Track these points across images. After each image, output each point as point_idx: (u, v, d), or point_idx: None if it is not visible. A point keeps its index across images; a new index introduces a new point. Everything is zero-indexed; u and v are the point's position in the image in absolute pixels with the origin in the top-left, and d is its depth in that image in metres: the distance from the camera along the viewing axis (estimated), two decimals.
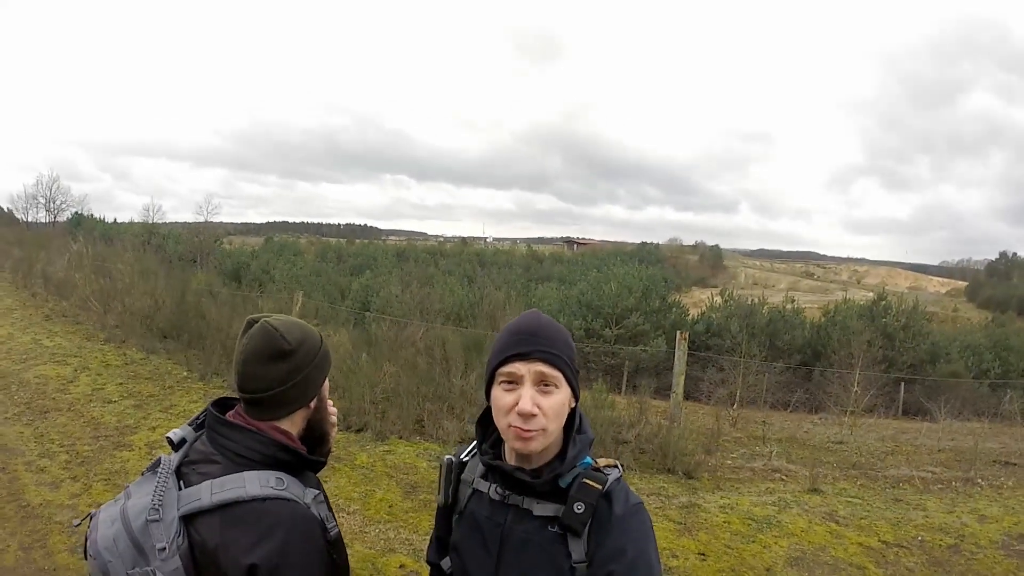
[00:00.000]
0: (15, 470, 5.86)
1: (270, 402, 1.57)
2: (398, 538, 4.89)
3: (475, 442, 1.64)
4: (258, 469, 1.48)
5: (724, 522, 5.51)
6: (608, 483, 1.41)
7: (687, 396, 14.01)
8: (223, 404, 1.63)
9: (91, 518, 1.49)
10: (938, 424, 11.07)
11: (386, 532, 4.98)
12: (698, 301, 33.77)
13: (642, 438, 7.37)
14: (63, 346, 10.87)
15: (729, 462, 7.54)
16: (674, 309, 24.78)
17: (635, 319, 22.22)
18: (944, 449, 8.96)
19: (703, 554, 4.95)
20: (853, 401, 11.39)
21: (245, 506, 1.42)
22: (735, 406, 11.13)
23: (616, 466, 1.48)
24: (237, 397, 1.63)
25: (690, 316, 25.19)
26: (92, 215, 54.20)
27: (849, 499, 6.39)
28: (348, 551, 4.29)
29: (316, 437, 1.68)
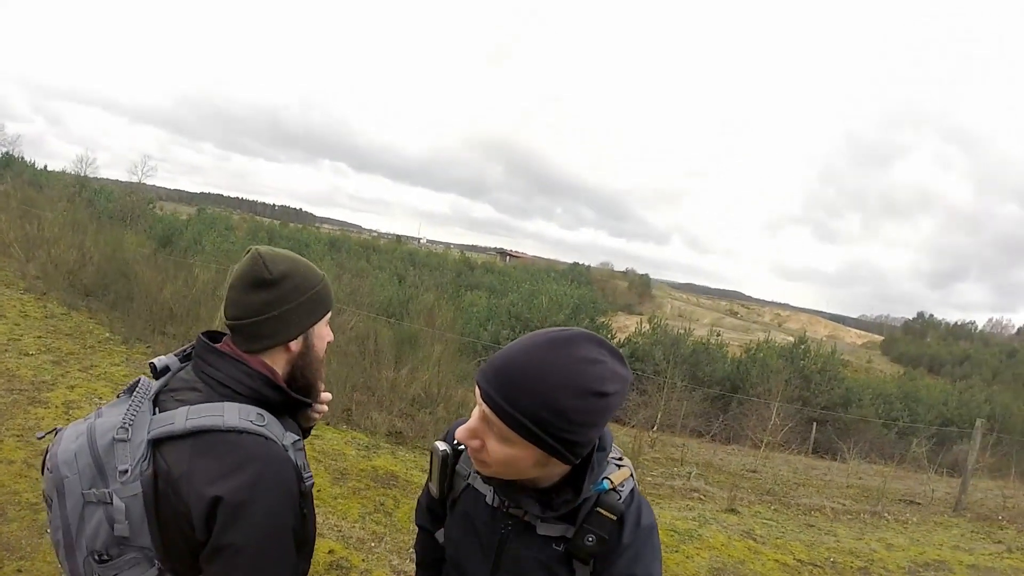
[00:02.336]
0: None
1: (246, 332, 1.50)
2: (327, 524, 4.83)
3: None
4: (240, 402, 1.41)
5: None
6: (621, 508, 1.24)
7: None
8: (212, 336, 1.56)
9: (56, 432, 1.40)
10: (847, 464, 11.51)
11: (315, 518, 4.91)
12: (623, 326, 34.33)
13: None
14: None
15: (650, 479, 7.73)
16: (601, 331, 24.97)
17: None
18: (852, 486, 9.36)
19: None
20: (769, 431, 11.72)
21: (219, 435, 1.34)
22: (655, 429, 11.32)
23: (631, 475, 1.31)
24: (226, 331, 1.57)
25: (616, 340, 25.60)
26: (23, 158, 51.82)
27: (765, 520, 6.63)
28: None
29: (300, 387, 1.56)
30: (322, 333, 1.59)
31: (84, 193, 32.58)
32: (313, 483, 1.50)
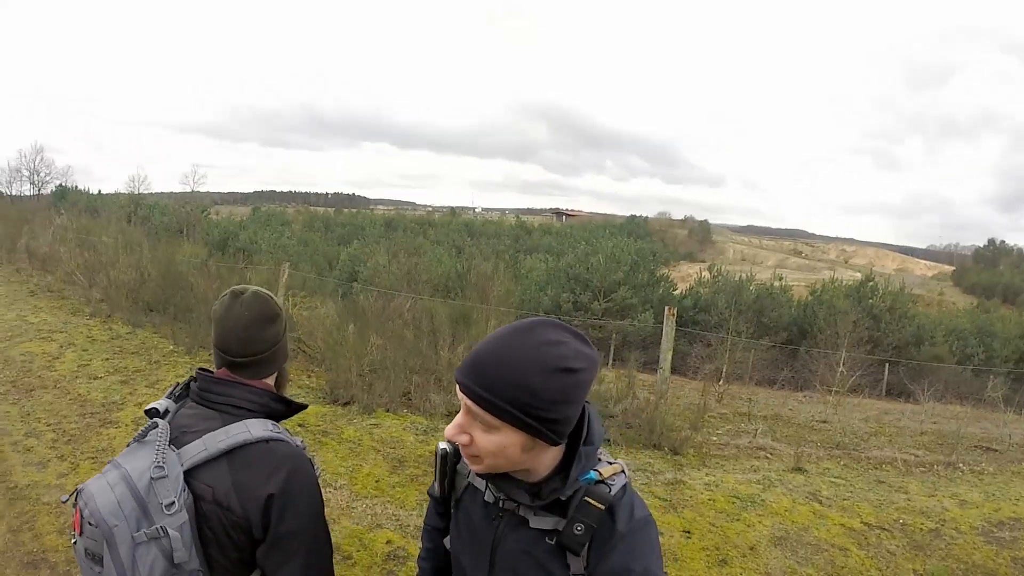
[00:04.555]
0: (1, 450, 5.75)
1: (265, 362, 1.72)
2: (385, 513, 4.86)
3: None
4: (255, 418, 1.62)
5: (709, 500, 5.54)
6: (611, 499, 1.27)
7: (674, 371, 14.07)
8: (208, 371, 1.74)
9: (78, 494, 1.47)
10: (921, 406, 11.15)
11: (373, 507, 4.95)
12: (686, 276, 33.97)
13: (629, 413, 7.40)
14: (48, 322, 10.76)
15: (715, 439, 7.59)
16: (662, 283, 24.84)
17: (623, 293, 22.18)
18: (927, 432, 9.05)
19: (688, 532, 4.97)
20: (838, 381, 11.45)
21: (252, 447, 1.55)
22: (722, 382, 11.18)
23: (622, 471, 1.35)
24: (213, 368, 1.76)
25: (678, 291, 25.24)
26: (76, 187, 53.70)
27: (832, 479, 6.45)
28: (336, 527, 4.34)
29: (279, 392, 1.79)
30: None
31: (139, 211, 33.56)
32: (319, 474, 1.71)
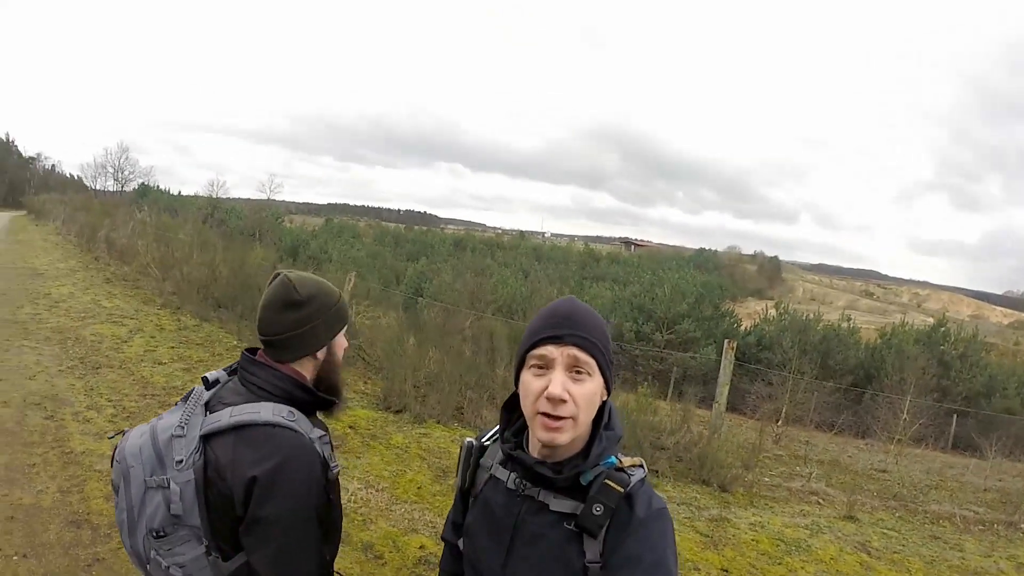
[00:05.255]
0: (63, 419, 6.15)
1: (281, 346, 1.77)
2: (422, 519, 4.94)
3: (498, 427, 1.59)
4: (275, 402, 1.69)
5: (752, 540, 5.45)
6: (631, 485, 1.35)
7: (732, 408, 13.83)
8: (254, 351, 1.84)
9: (124, 433, 1.73)
10: (987, 462, 10.72)
11: (411, 512, 5.03)
12: (753, 312, 33.32)
13: (680, 446, 7.33)
14: (121, 308, 11.25)
15: (767, 479, 7.45)
16: (727, 318, 24.52)
17: (686, 325, 21.95)
18: (991, 489, 8.70)
19: (726, 570, 4.90)
20: (901, 429, 11.09)
21: (257, 429, 1.62)
22: (780, 423, 10.95)
23: (641, 466, 1.43)
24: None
25: (743, 327, 24.82)
26: (158, 187, 56.15)
27: (885, 531, 6.25)
28: (372, 527, 4.40)
29: (325, 388, 1.83)
30: (341, 343, 1.88)
31: (216, 214, 34.73)
32: (339, 472, 1.79)
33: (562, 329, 1.35)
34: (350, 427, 6.76)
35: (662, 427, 7.71)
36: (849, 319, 24.41)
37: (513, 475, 1.46)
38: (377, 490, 5.35)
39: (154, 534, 1.60)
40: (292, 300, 1.78)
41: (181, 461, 1.59)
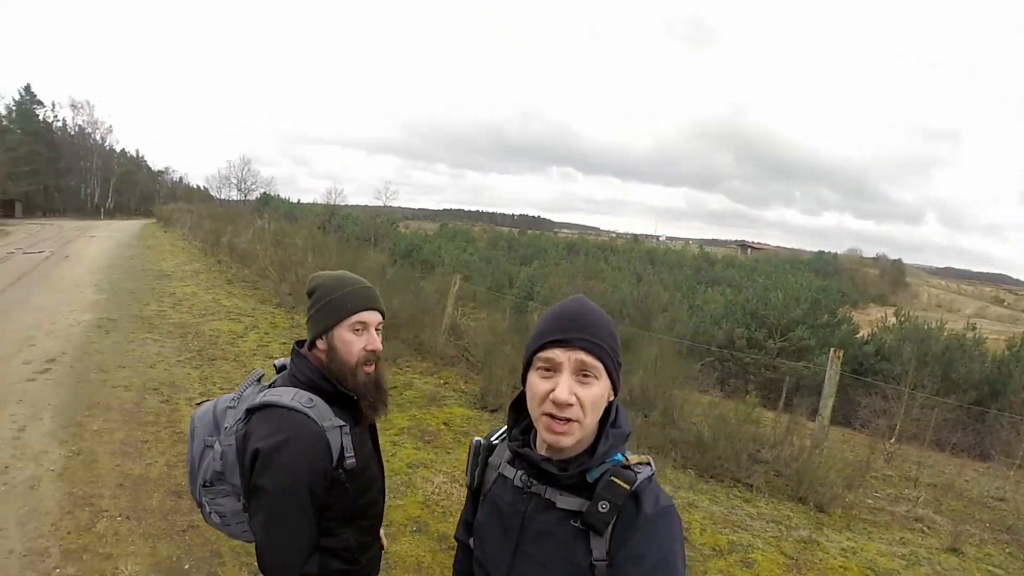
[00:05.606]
0: (177, 403, 7.09)
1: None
2: None
3: (507, 426, 1.63)
4: (301, 388, 1.94)
5: (840, 567, 5.21)
6: (637, 482, 1.37)
7: (843, 422, 13.32)
8: (303, 343, 2.13)
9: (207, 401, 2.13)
10: None
11: None
12: (874, 320, 31.89)
13: (781, 460, 7.13)
14: (239, 306, 11.99)
15: (870, 501, 7.11)
16: (843, 325, 23.44)
17: (800, 332, 21.05)
18: None
19: None
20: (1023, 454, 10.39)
21: (275, 409, 1.87)
22: (893, 440, 10.45)
23: (648, 464, 1.44)
24: None
25: (860, 335, 23.76)
26: (278, 195, 59.31)
27: (991, 567, 5.83)
28: (451, 520, 4.69)
29: (336, 378, 2.00)
30: (344, 337, 1.99)
31: (334, 220, 36.16)
32: (358, 465, 1.95)
33: (570, 332, 1.37)
34: (444, 423, 7.04)
35: (764, 439, 7.52)
36: (975, 328, 22.96)
37: (520, 473, 1.49)
38: (460, 485, 5.51)
39: (204, 484, 1.96)
40: (307, 290, 2.10)
41: (228, 428, 1.96)
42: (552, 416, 1.35)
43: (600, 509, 1.33)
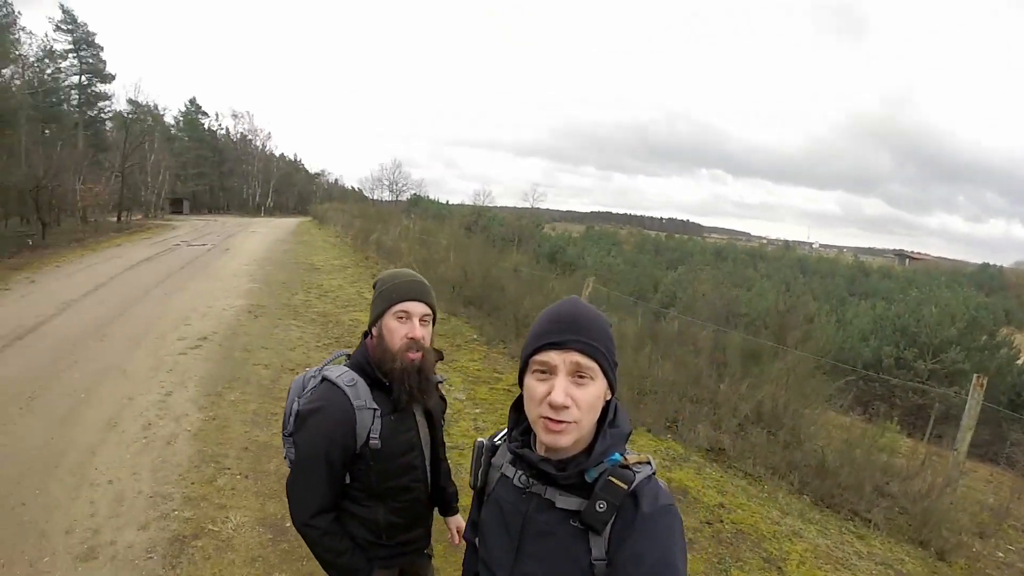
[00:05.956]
0: None
1: None
2: None
3: (507, 427, 1.65)
4: (351, 369, 2.21)
5: None
6: (635, 482, 1.38)
7: (991, 458, 12.39)
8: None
9: None
10: None
11: None
12: None
13: (908, 496, 6.62)
14: None
15: (1001, 554, 6.31)
16: (1003, 349, 21.30)
17: (954, 354, 19.42)
18: None
19: None
20: None
21: (324, 382, 2.18)
22: None
23: (648, 463, 1.45)
24: None
25: (1022, 361, 21.67)
26: (428, 196, 61.66)
27: None
28: None
29: (376, 366, 2.22)
30: (389, 325, 2.21)
31: (480, 221, 37.01)
32: (379, 447, 2.16)
33: (565, 335, 1.39)
34: None
35: (895, 470, 7.05)
36: None
37: (520, 473, 1.52)
38: None
39: (286, 434, 2.27)
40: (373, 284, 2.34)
41: (305, 393, 2.23)
42: (549, 418, 1.37)
43: (598, 509, 1.35)
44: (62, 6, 61.07)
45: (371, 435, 2.14)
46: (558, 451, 1.42)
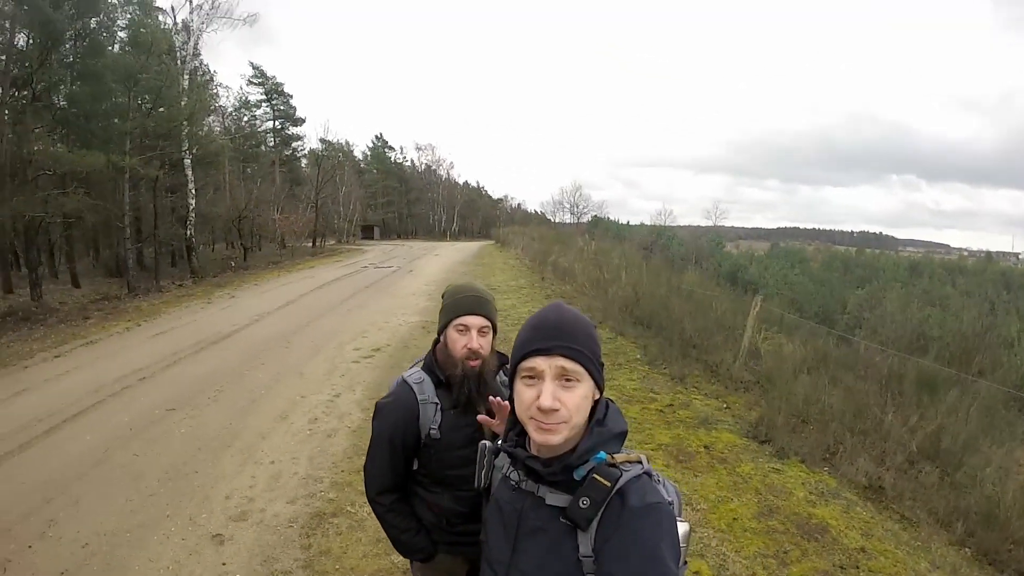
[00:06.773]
0: None
1: None
2: (716, 551, 4.83)
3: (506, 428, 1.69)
4: (423, 369, 2.48)
5: None
6: (621, 479, 1.40)
7: None
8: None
9: None
10: None
11: (711, 539, 4.96)
12: None
13: None
14: None
15: None
16: None
17: None
18: None
19: None
20: None
21: (399, 379, 2.48)
22: None
23: (639, 461, 1.46)
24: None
25: None
26: (608, 217, 61.99)
27: None
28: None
29: (442, 367, 2.45)
30: (451, 335, 2.42)
31: (659, 241, 36.78)
32: (438, 437, 2.40)
33: (549, 341, 1.44)
34: (705, 446, 6.88)
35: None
36: None
37: (513, 471, 1.57)
38: (694, 509, 5.37)
39: None
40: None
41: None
42: (539, 420, 1.43)
43: (581, 505, 1.38)
44: (252, 63, 70.31)
45: (431, 427, 2.38)
46: (551, 449, 1.46)
